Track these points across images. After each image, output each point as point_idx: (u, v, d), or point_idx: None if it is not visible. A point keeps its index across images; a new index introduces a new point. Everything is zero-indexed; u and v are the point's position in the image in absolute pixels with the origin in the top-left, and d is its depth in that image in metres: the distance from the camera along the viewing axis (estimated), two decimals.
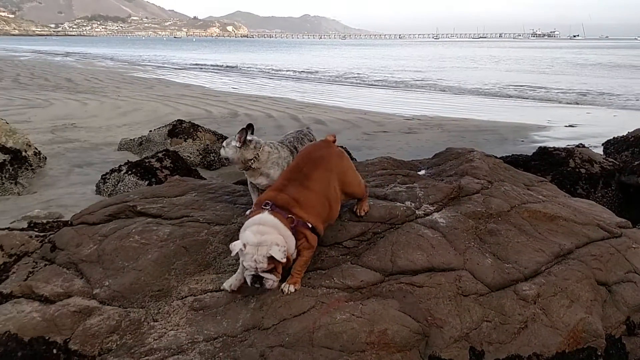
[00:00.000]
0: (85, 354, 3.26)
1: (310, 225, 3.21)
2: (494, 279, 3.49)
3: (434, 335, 3.20)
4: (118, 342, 3.32)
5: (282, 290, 3.35)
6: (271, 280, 3.15)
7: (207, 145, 10.35)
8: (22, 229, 4.87)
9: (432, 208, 4.05)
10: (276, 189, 3.30)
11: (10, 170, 8.31)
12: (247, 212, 3.64)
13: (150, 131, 11.18)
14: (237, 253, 3.09)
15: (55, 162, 10.11)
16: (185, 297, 3.61)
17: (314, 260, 3.75)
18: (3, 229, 4.80)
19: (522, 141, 13.04)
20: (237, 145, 3.90)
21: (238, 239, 3.15)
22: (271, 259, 3.01)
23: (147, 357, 3.18)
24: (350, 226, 3.85)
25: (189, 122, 11.04)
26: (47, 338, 3.35)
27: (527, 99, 23.72)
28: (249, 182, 4.19)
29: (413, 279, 3.42)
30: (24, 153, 9.10)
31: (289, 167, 3.59)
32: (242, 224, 4.12)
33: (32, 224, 5.18)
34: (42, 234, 4.61)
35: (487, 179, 4.48)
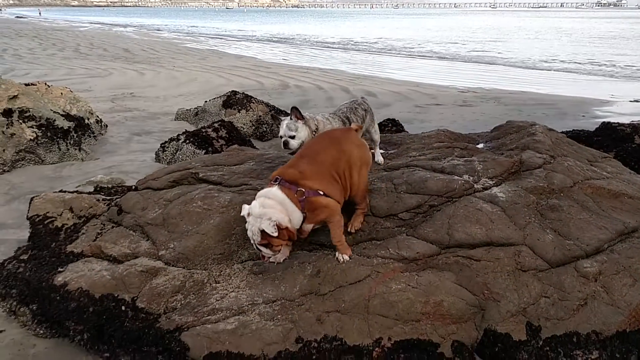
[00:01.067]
0: (151, 312, 3.46)
1: (322, 193, 3.26)
2: (555, 255, 3.44)
3: (490, 309, 3.21)
4: (182, 302, 3.51)
5: (337, 259, 3.48)
6: (267, 254, 3.25)
7: (260, 116, 10.46)
8: (90, 192, 5.14)
9: (491, 182, 3.99)
10: (287, 165, 3.40)
11: (75, 137, 8.72)
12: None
13: (206, 102, 11.41)
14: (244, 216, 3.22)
15: (116, 130, 10.52)
16: (245, 261, 3.76)
17: (369, 231, 3.80)
18: (72, 192, 5.10)
19: (583, 116, 12.48)
20: (302, 123, 4.02)
21: None
22: (264, 233, 3.08)
23: (209, 317, 3.35)
24: (406, 198, 3.86)
25: (243, 93, 11.18)
26: (116, 295, 3.58)
27: (588, 73, 22.58)
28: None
29: (470, 252, 3.42)
30: (86, 121, 9.51)
31: (304, 146, 3.72)
32: None
33: (98, 188, 5.45)
34: (108, 197, 4.87)
35: (550, 153, 4.36)
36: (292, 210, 3.15)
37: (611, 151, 6.88)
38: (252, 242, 3.24)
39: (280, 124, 4.11)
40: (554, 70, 23.46)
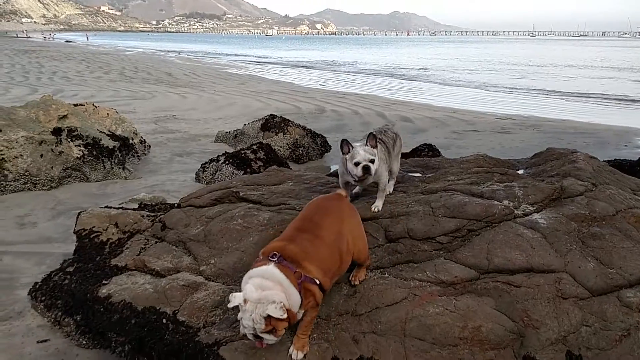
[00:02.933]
0: (191, 325, 3.54)
1: (317, 282, 2.89)
2: (596, 284, 3.36)
3: (530, 336, 3.15)
4: (221, 316, 3.58)
5: (289, 356, 3.05)
6: (270, 340, 2.80)
7: (297, 139, 10.64)
8: (134, 209, 5.33)
9: (532, 208, 3.96)
10: (285, 239, 2.99)
11: (119, 156, 9.06)
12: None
13: (245, 125, 11.70)
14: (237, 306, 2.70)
15: (158, 150, 10.87)
16: None
17: (406, 253, 3.80)
18: (117, 208, 5.30)
19: (626, 146, 12.17)
20: (375, 150, 3.86)
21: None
22: (269, 318, 2.65)
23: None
24: (444, 221, 3.87)
25: (280, 116, 11.42)
26: (157, 308, 3.68)
27: (632, 101, 22.03)
28: (341, 178, 4.23)
29: (510, 278, 3.38)
30: (131, 141, 9.88)
31: (299, 217, 3.29)
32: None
33: (142, 205, 5.64)
34: (152, 214, 5.04)
35: (592, 181, 4.29)
36: (292, 292, 2.74)
37: None
38: (247, 331, 2.76)
39: (352, 150, 3.85)
40: (595, 98, 23.01)
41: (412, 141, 11.42)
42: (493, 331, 3.09)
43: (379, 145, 4.07)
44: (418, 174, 4.89)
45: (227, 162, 8.34)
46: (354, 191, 4.44)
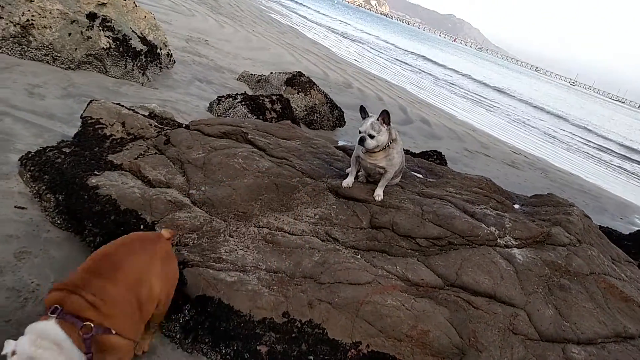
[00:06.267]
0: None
1: (113, 332, 2.45)
2: (548, 330, 3.49)
3: (470, 356, 3.29)
4: (195, 241, 3.68)
5: None
6: None
7: (316, 104, 10.63)
8: (144, 115, 5.37)
9: (514, 242, 4.06)
10: (69, 286, 2.46)
11: (143, 61, 9.03)
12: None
13: (271, 73, 11.64)
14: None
15: (181, 68, 10.83)
16: (262, 227, 3.91)
17: (384, 243, 3.91)
18: (129, 108, 5.34)
19: (622, 218, 12.29)
20: (386, 128, 4.00)
21: None
22: None
23: (214, 263, 3.52)
24: (429, 227, 3.96)
25: (307, 77, 11.38)
26: (139, 213, 3.78)
27: None
28: (354, 156, 4.34)
29: (472, 297, 3.50)
30: (158, 50, 9.82)
31: (96, 253, 2.73)
32: (331, 186, 4.35)
33: (152, 114, 5.67)
34: (160, 126, 5.09)
35: (578, 237, 4.39)
36: (72, 356, 2.29)
37: (637, 260, 6.81)
38: None
39: (364, 120, 4.04)
40: (611, 165, 23.02)
41: (423, 144, 11.46)
42: (439, 339, 3.21)
43: (400, 139, 4.16)
44: (420, 175, 4.97)
45: (243, 103, 8.35)
46: (359, 179, 4.49)
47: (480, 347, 3.31)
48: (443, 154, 9.13)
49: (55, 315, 2.31)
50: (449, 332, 3.28)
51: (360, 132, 4.03)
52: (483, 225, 4.08)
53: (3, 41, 7.45)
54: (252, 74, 11.99)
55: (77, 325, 2.32)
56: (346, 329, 3.23)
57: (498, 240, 4.02)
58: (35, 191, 4.27)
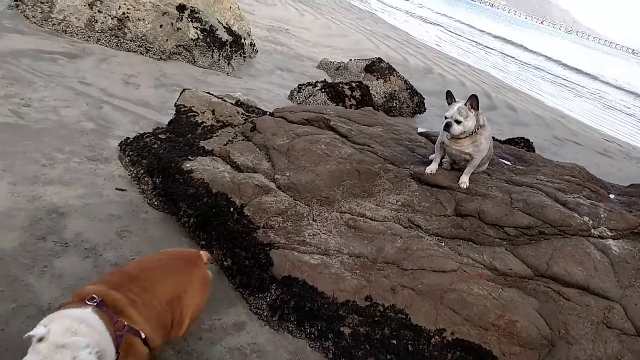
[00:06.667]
0: (253, 222, 3.80)
1: (143, 336, 2.35)
2: None
3: (560, 348, 3.16)
4: (280, 224, 3.81)
5: None
6: None
7: (395, 90, 10.51)
8: (232, 104, 5.59)
9: (609, 233, 3.83)
10: (108, 283, 2.43)
11: (228, 51, 9.36)
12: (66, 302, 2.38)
13: (350, 60, 11.64)
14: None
15: (263, 58, 11.10)
16: (344, 212, 3.97)
17: (470, 232, 3.83)
18: (218, 97, 5.58)
19: None
20: (473, 114, 3.90)
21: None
22: None
23: (298, 246, 3.63)
24: (518, 215, 3.83)
25: (387, 63, 11.26)
26: (229, 197, 3.95)
27: None
28: (439, 142, 4.27)
29: (563, 289, 3.36)
30: (242, 40, 10.13)
31: (139, 263, 2.72)
32: (413, 173, 4.32)
33: (238, 102, 5.89)
34: (246, 113, 5.28)
35: None
36: (107, 347, 2.16)
37: None
38: None
39: (450, 105, 3.96)
40: None
41: (509, 131, 10.99)
42: (527, 330, 3.12)
43: (488, 125, 4.03)
44: (508, 162, 4.80)
45: (323, 90, 8.44)
46: (443, 166, 4.41)
47: (571, 339, 3.18)
48: (531, 141, 8.73)
49: (94, 304, 2.22)
50: (538, 323, 3.18)
51: (446, 118, 3.93)
52: (576, 215, 3.87)
53: (102, 34, 8.02)
54: (331, 62, 12.05)
55: (112, 319, 2.24)
56: (430, 316, 3.22)
57: (592, 230, 3.81)
58: (134, 175, 4.58)
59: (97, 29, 8.01)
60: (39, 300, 3.01)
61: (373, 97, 9.80)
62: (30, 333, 1.97)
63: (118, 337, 2.22)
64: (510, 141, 8.19)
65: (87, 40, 8.03)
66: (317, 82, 8.93)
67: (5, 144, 4.49)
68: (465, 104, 3.89)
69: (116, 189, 4.38)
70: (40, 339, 1.95)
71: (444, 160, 4.41)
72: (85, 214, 3.90)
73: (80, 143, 4.92)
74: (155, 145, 4.69)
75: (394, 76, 10.92)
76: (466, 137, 3.97)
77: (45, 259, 3.35)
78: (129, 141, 4.91)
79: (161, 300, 2.53)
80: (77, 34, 8.00)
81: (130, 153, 4.74)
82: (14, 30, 7.39)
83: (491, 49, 36.26)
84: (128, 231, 3.90)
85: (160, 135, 4.85)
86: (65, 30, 7.97)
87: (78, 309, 2.18)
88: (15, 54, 6.58)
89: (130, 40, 8.17)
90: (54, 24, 7.91)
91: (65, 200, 3.98)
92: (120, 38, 8.10)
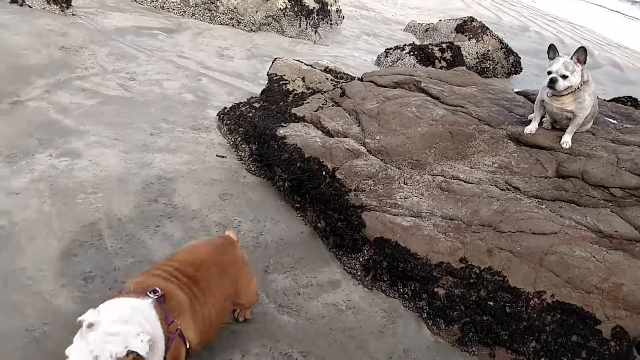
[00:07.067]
0: (345, 185, 3.88)
1: (187, 345, 2.21)
2: None
3: None
4: (371, 187, 3.86)
5: None
6: None
7: (489, 51, 10.02)
8: (321, 70, 5.66)
9: None
10: (171, 279, 2.28)
11: (315, 19, 9.40)
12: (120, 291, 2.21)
13: (439, 20, 11.24)
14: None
15: (349, 24, 11.02)
16: (437, 175, 3.93)
17: (571, 194, 3.66)
18: (308, 65, 5.67)
19: None
20: (580, 68, 3.69)
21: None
22: (131, 355, 1.85)
23: (390, 208, 3.66)
24: (626, 176, 3.59)
25: (480, 22, 10.74)
26: (321, 161, 4.06)
27: None
28: (538, 100, 4.07)
29: None
30: (329, 7, 10.11)
31: (192, 258, 2.47)
32: (511, 133, 4.17)
33: (327, 69, 5.95)
34: (335, 79, 5.33)
35: None
36: (158, 342, 2.01)
37: None
38: None
39: (554, 59, 3.75)
40: None
41: (614, 91, 10.15)
42: (634, 294, 2.96)
43: (592, 81, 3.78)
44: (614, 121, 4.47)
45: (411, 54, 8.24)
46: (543, 125, 4.20)
47: None
48: (639, 100, 8.02)
49: (155, 297, 2.09)
50: None
51: (550, 73, 3.72)
52: None
53: (196, 8, 8.39)
54: (419, 24, 11.71)
55: (167, 318, 2.10)
56: (529, 278, 3.15)
57: None
58: (232, 142, 4.82)
59: (191, 3, 8.39)
60: (153, 256, 3.31)
61: (465, 58, 9.43)
62: (81, 318, 1.84)
63: (169, 339, 2.08)
64: (616, 100, 7.57)
65: (182, 15, 8.44)
66: (405, 45, 8.74)
67: (115, 115, 4.90)
68: (571, 58, 3.67)
69: (217, 155, 4.64)
70: (90, 326, 1.82)
71: (544, 119, 4.21)
72: (190, 179, 4.19)
73: (182, 113, 5.25)
74: (250, 114, 4.89)
75: (487, 35, 10.42)
76: (568, 94, 3.75)
77: (157, 220, 3.67)
78: (226, 111, 5.15)
79: (216, 303, 2.40)
80: (173, 10, 8.43)
81: (228, 122, 4.98)
82: (117, 9, 7.93)
83: (592, 3, 33.20)
84: (229, 194, 4.14)
85: (254, 104, 5.05)
86: (163, 7, 8.43)
87: (137, 298, 2.04)
88: (120, 31, 7.08)
89: (223, 14, 8.47)
90: (152, 1, 8.39)
91: (172, 166, 4.30)
92: (213, 12, 8.42)
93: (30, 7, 6.67)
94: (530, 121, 4.19)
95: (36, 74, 5.24)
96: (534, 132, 4.09)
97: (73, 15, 7.00)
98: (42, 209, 3.50)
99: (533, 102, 4.40)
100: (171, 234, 3.56)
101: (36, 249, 3.16)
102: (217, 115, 5.24)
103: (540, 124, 4.18)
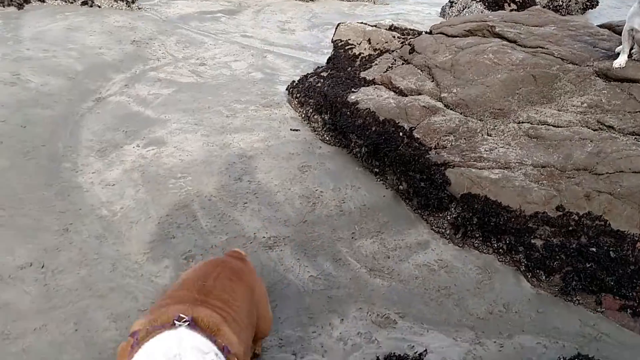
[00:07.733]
0: (424, 144, 3.79)
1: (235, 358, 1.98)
2: None
3: None
4: (453, 143, 3.74)
5: None
6: None
7: None
8: (387, 29, 5.50)
9: None
10: (190, 301, 2.04)
11: None
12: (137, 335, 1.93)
13: None
14: None
15: None
16: (522, 122, 3.74)
17: None
18: (372, 26, 5.53)
19: None
20: None
21: None
22: None
23: (475, 162, 3.54)
24: None
25: None
26: (397, 122, 3.98)
27: None
28: (626, 30, 3.73)
29: None
30: None
31: (201, 274, 2.25)
32: (598, 69, 3.86)
33: (392, 27, 5.77)
34: (402, 36, 5.16)
35: None
36: None
37: None
38: None
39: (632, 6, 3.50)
40: None
41: None
42: None
43: None
44: None
45: (478, 0, 7.84)
46: (634, 57, 3.86)
47: None
48: None
49: (185, 324, 1.88)
50: None
51: (631, 30, 3.47)
52: None
53: None
54: None
55: (210, 339, 1.89)
56: (632, 219, 2.95)
57: None
58: (303, 115, 4.84)
59: None
60: (245, 232, 3.42)
61: None
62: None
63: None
64: None
65: None
66: None
67: (192, 101, 5.06)
68: None
69: (291, 129, 4.68)
70: None
71: (633, 51, 3.86)
72: (269, 155, 4.26)
73: (253, 92, 5.32)
74: (319, 84, 4.87)
75: None
76: None
77: (244, 197, 3.77)
78: (294, 84, 5.16)
79: (241, 313, 2.21)
80: None
81: (298, 95, 4.99)
82: None
83: None
84: (308, 166, 4.17)
85: (322, 74, 5.01)
86: None
87: (167, 331, 1.82)
88: (184, 18, 7.25)
89: None
90: None
91: (250, 144, 4.39)
92: None
93: (99, 7, 6.98)
94: (618, 54, 3.87)
95: (113, 70, 5.50)
96: (624, 65, 3.77)
97: (139, 9, 7.26)
98: (137, 196, 3.70)
99: (619, 34, 4.04)
100: (259, 209, 3.65)
101: (137, 235, 3.36)
102: (287, 89, 5.26)
103: (630, 55, 3.84)
